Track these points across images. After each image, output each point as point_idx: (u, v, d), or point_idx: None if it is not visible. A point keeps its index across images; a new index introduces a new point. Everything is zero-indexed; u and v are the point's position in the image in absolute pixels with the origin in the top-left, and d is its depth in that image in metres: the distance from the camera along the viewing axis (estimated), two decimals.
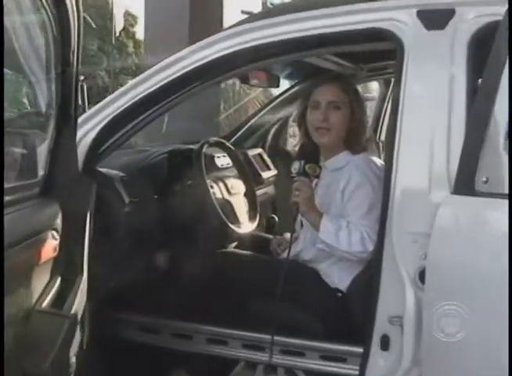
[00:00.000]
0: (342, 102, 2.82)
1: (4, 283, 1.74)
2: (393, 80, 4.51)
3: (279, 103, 4.22)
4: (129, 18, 21.27)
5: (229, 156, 3.38)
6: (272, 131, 4.47)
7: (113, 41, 19.57)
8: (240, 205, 3.19)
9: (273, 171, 4.15)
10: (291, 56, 2.76)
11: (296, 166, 2.74)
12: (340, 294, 2.75)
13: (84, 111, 2.72)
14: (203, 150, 3.03)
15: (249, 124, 4.32)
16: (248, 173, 3.36)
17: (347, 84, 2.95)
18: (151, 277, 3.09)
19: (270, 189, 4.26)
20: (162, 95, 2.70)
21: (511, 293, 2.02)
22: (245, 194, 3.30)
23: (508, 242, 2.02)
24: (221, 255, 2.98)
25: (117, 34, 20.56)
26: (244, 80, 3.51)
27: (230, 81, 8.00)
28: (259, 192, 4.01)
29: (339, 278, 2.76)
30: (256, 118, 4.30)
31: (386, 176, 2.35)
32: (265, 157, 4.15)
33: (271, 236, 3.30)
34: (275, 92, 4.58)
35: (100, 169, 2.79)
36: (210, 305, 2.83)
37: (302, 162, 2.72)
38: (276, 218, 3.74)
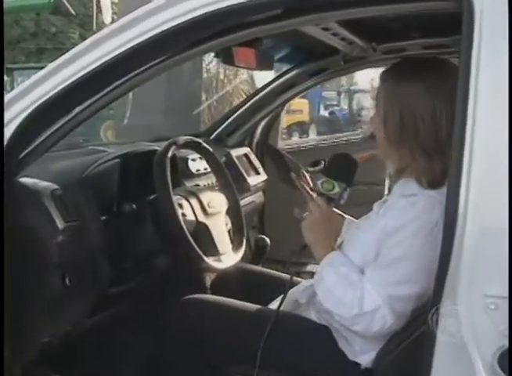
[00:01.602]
0: None
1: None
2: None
3: (271, 91, 3.31)
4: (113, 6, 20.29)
5: (206, 160, 2.47)
6: (261, 125, 3.57)
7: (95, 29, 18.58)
8: (220, 229, 2.29)
9: (262, 176, 3.24)
10: (292, 21, 1.83)
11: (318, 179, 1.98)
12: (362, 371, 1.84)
13: None
14: (169, 153, 2.12)
15: (233, 117, 3.42)
16: (230, 184, 2.45)
17: None
18: (96, 330, 2.22)
19: (258, 197, 3.37)
20: (108, 75, 1.80)
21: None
22: (228, 212, 2.39)
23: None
24: (190, 304, 2.07)
25: (104, 21, 19.56)
26: (227, 60, 2.57)
27: (213, 67, 7.12)
28: (245, 201, 3.13)
29: (362, 347, 1.84)
30: (242, 110, 3.39)
31: (448, 209, 1.46)
32: (253, 157, 3.24)
33: (264, 270, 2.43)
34: (264, 79, 3.66)
35: (23, 180, 1.94)
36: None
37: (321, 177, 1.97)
38: (267, 240, 2.84)
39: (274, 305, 2.08)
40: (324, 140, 4.30)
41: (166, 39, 1.76)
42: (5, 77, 12.90)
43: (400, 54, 3.06)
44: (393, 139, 1.78)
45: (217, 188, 2.51)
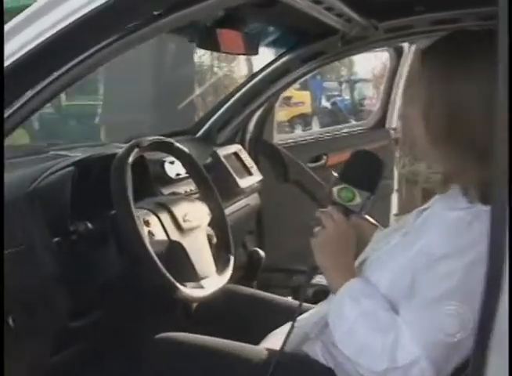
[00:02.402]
0: None
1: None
2: None
3: (262, 80, 2.89)
4: None
5: (182, 163, 2.03)
6: (254, 119, 3.15)
7: None
8: (200, 247, 1.84)
9: (256, 177, 2.82)
10: None
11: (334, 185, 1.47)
12: None
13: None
14: (131, 157, 1.69)
15: (222, 110, 2.99)
16: (211, 189, 2.00)
17: None
18: (60, 370, 1.83)
19: (253, 199, 2.95)
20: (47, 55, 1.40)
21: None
22: (211, 224, 1.95)
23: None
24: (164, 345, 1.64)
25: None
26: (209, 44, 2.13)
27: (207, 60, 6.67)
28: (238, 204, 2.72)
29: None
30: (231, 102, 2.97)
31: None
32: (244, 156, 2.82)
33: (258, 293, 2.00)
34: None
35: None
36: None
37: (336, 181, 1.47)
38: (262, 253, 2.41)
39: (271, 341, 1.67)
40: (326, 133, 3.86)
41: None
42: None
43: (405, 32, 2.65)
44: (438, 137, 1.34)
45: (196, 196, 2.10)
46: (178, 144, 1.92)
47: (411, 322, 1.29)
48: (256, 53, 2.28)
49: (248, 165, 2.78)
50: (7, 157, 2.13)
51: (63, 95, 11.19)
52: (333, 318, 1.40)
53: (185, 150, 1.94)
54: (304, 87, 14.39)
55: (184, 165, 1.99)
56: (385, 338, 1.29)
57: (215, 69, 7.40)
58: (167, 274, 1.63)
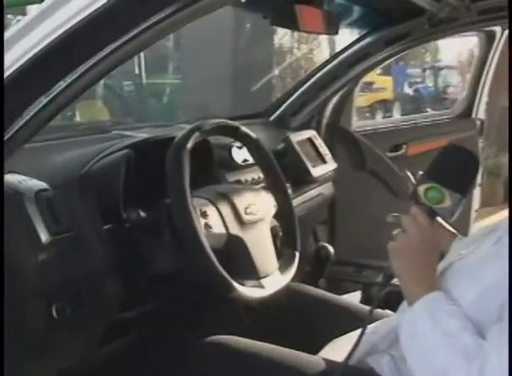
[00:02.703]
0: None
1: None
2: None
3: (341, 62, 2.70)
4: None
5: (248, 148, 1.87)
6: (332, 104, 2.95)
7: None
8: (262, 243, 1.67)
9: (330, 165, 2.63)
10: None
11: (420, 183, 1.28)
12: None
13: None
14: (190, 142, 1.53)
15: (297, 93, 2.82)
16: (279, 178, 1.82)
17: None
18: (108, 362, 1.70)
19: (327, 189, 2.77)
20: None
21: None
22: (276, 217, 1.78)
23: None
24: (211, 348, 1.50)
25: None
26: (287, 22, 1.95)
27: (282, 37, 6.44)
28: (310, 193, 2.56)
29: None
30: (308, 85, 2.79)
31: None
32: (318, 142, 2.64)
33: (325, 295, 1.83)
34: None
35: (6, 177, 1.43)
36: None
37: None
38: (331, 249, 2.23)
39: (333, 349, 1.50)
40: (407, 120, 3.63)
41: None
42: None
43: (500, 14, 2.42)
44: None
45: (262, 186, 1.93)
46: (244, 128, 1.75)
47: (500, 349, 1.09)
48: (336, 33, 2.09)
49: (322, 153, 2.60)
50: (67, 136, 2.03)
51: (143, 73, 11.19)
52: (406, 335, 1.22)
53: (252, 134, 1.77)
54: (386, 72, 14.06)
55: (250, 151, 1.82)
56: (470, 366, 1.10)
57: (295, 50, 7.18)
58: (223, 272, 1.47)
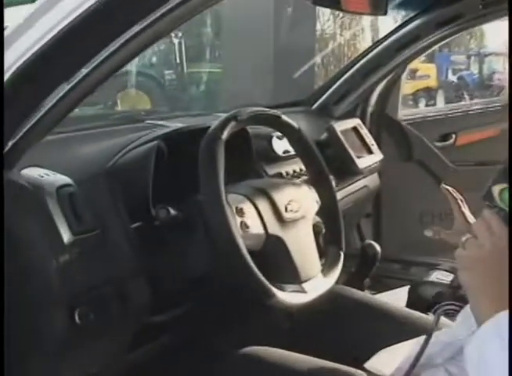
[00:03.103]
0: None
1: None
2: None
3: (388, 47, 2.52)
4: None
5: (288, 139, 1.69)
6: (377, 91, 2.79)
7: None
8: (304, 243, 1.51)
9: (376, 156, 2.47)
10: None
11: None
12: None
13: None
14: (225, 132, 1.38)
15: (341, 80, 2.65)
16: (323, 172, 1.65)
17: None
18: (138, 366, 1.57)
19: (372, 181, 2.60)
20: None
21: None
22: (319, 213, 1.63)
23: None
24: (245, 361, 1.35)
25: None
26: (329, 1, 1.78)
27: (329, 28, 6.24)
28: (355, 185, 2.40)
29: None
30: (352, 72, 2.62)
31: None
32: (364, 132, 2.47)
33: (371, 299, 1.67)
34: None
35: (24, 172, 1.33)
36: None
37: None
38: (377, 248, 2.06)
39: (380, 362, 1.34)
40: (456, 109, 3.43)
41: None
42: None
43: None
44: None
45: (304, 179, 1.77)
46: (285, 117, 1.58)
47: None
48: (384, 13, 1.90)
49: (368, 142, 2.43)
50: (95, 126, 1.90)
51: (184, 62, 11.09)
52: (473, 359, 1.04)
53: (294, 124, 1.60)
54: (429, 59, 13.73)
55: (291, 142, 1.65)
56: None
57: (338, 37, 6.98)
58: (261, 276, 1.32)
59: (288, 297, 1.37)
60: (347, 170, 2.29)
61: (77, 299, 1.31)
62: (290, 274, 1.43)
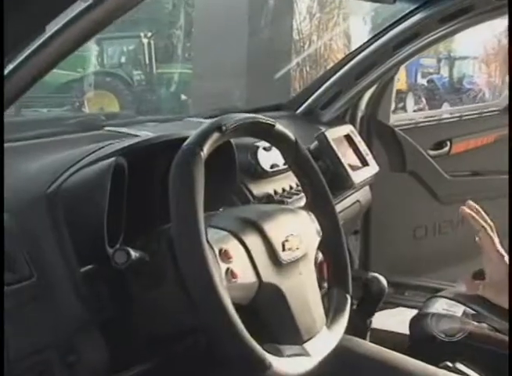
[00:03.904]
0: None
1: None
2: None
3: (384, 45, 2.19)
4: None
5: (283, 154, 1.29)
6: (368, 94, 2.45)
7: None
8: (306, 289, 1.13)
9: (372, 168, 2.12)
10: None
11: None
12: None
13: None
14: (206, 148, 1.00)
15: (329, 82, 2.31)
16: (324, 194, 1.26)
17: None
18: None
19: (364, 195, 2.27)
20: None
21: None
22: (321, 246, 1.26)
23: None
24: None
25: None
26: None
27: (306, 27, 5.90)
28: (346, 202, 2.08)
29: None
30: (341, 73, 2.29)
31: None
32: (359, 140, 2.13)
33: (378, 350, 1.31)
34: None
35: None
36: None
37: None
38: (383, 282, 1.69)
39: None
40: (451, 113, 3.10)
41: None
42: (95, 47, 12.10)
43: None
44: None
45: (297, 198, 1.42)
46: (279, 127, 1.23)
47: None
48: (392, 2, 1.60)
49: (363, 152, 2.09)
50: (45, 134, 1.53)
51: (154, 63, 10.75)
52: None
53: (290, 135, 1.25)
54: None
55: (286, 158, 1.29)
56: None
57: (314, 37, 6.63)
58: (253, 342, 0.96)
59: (288, 365, 1.01)
60: (339, 184, 1.95)
61: (13, 369, 0.96)
62: (289, 333, 1.07)
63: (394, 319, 2.33)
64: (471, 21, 2.08)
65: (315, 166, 1.28)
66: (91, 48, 12.05)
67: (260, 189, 1.54)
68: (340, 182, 1.93)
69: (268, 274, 1.07)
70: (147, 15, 14.94)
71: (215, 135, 1.04)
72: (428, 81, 15.19)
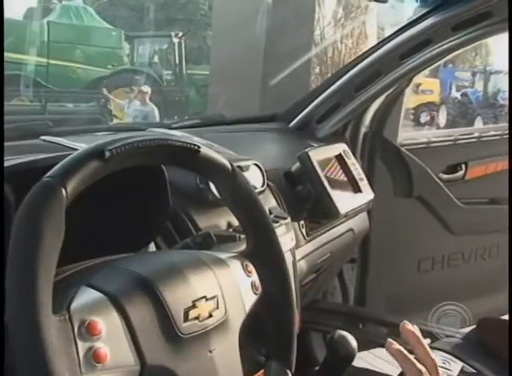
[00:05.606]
0: None
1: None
2: None
3: (390, 52, 1.87)
4: None
5: (218, 186, 0.96)
6: (374, 107, 2.13)
7: None
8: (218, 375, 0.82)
9: (366, 195, 1.79)
10: None
11: None
12: None
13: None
14: (74, 182, 0.67)
15: (326, 93, 2.00)
16: (271, 239, 0.92)
17: None
18: None
19: (359, 223, 1.96)
20: None
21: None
22: (259, 305, 0.92)
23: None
24: None
25: None
26: None
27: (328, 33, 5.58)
28: (335, 231, 1.79)
29: None
30: (340, 83, 1.97)
31: None
32: (352, 162, 1.80)
33: None
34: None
35: None
36: None
37: None
38: (353, 345, 1.34)
39: None
40: (467, 133, 2.74)
41: None
42: (126, 45, 11.94)
43: None
44: None
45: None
46: (207, 151, 0.90)
47: None
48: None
49: (356, 177, 1.76)
50: None
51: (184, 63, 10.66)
52: None
53: (224, 162, 0.92)
54: (433, 74, 13.21)
55: (220, 190, 0.95)
56: None
57: (338, 44, 6.27)
58: None
59: None
60: (322, 214, 1.64)
61: None
62: None
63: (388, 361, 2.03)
64: (489, 29, 1.75)
65: (258, 201, 0.96)
66: (123, 46, 11.92)
67: (209, 220, 1.23)
68: (323, 210, 1.62)
69: (158, 354, 0.74)
70: (183, 15, 14.78)
71: (92, 165, 0.72)
72: (462, 95, 14.79)
